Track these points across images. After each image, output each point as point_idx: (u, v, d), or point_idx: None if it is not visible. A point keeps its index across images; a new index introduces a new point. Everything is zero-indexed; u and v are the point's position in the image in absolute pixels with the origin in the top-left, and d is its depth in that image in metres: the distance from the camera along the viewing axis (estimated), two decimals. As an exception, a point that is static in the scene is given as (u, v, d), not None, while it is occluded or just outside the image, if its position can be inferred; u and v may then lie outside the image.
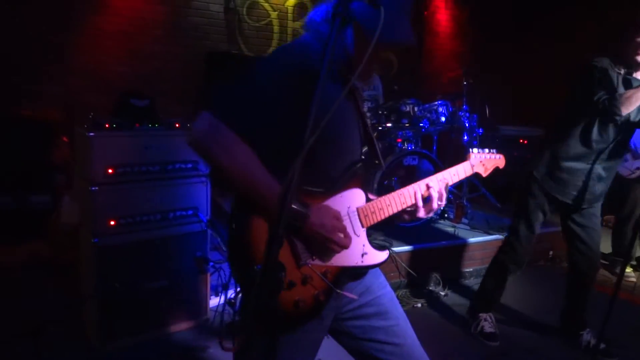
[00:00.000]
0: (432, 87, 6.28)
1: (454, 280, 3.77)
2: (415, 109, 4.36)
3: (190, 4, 5.46)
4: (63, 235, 3.55)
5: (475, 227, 4.15)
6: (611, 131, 2.53)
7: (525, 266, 2.90)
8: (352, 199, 1.32)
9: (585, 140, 2.56)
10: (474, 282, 3.73)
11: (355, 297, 1.33)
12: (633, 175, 3.80)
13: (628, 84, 2.48)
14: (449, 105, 4.49)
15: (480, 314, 2.94)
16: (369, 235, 1.35)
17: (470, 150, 1.63)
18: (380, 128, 4.30)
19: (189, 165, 2.65)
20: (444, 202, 1.44)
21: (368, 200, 1.36)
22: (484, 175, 1.66)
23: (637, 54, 2.40)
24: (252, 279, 1.19)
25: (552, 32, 6.72)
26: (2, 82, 4.57)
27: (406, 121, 4.32)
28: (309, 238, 1.22)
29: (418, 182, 1.42)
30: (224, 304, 2.96)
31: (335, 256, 1.27)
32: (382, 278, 1.53)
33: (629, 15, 2.52)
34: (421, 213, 1.40)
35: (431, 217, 4.17)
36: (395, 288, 3.50)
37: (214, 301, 2.94)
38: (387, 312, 1.45)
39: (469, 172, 1.58)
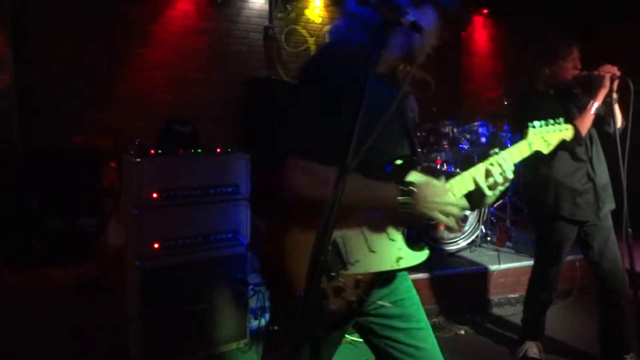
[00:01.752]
0: (471, 108, 6.20)
1: (499, 307, 3.63)
2: (455, 130, 4.29)
3: (230, 33, 5.67)
4: (109, 258, 3.67)
5: (520, 251, 3.99)
6: (587, 137, 2.57)
7: (576, 292, 2.78)
8: None
9: (576, 158, 2.59)
10: (520, 309, 3.56)
11: (388, 305, 1.33)
12: None
13: (574, 99, 2.63)
14: (489, 125, 4.40)
15: (527, 341, 2.86)
16: (407, 236, 1.33)
17: (530, 124, 1.53)
18: (418, 150, 4.26)
19: (230, 189, 2.70)
20: (507, 183, 1.39)
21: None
22: (546, 152, 1.54)
23: (569, 72, 2.55)
24: (291, 306, 1.20)
25: (590, 52, 6.52)
26: (55, 111, 4.86)
27: (445, 142, 4.26)
28: (419, 214, 1.24)
29: (462, 174, 1.38)
30: (264, 328, 2.97)
31: (368, 262, 1.27)
32: (409, 282, 1.51)
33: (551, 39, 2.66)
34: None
35: (473, 240, 4.05)
36: (435, 314, 3.39)
37: (254, 324, 2.94)
38: (410, 316, 1.44)
39: (526, 153, 1.48)
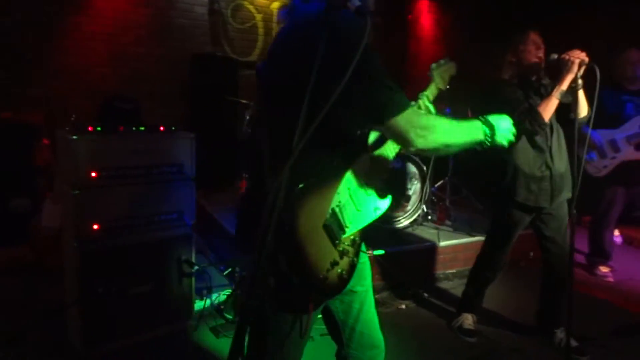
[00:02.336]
0: (416, 91, 6.35)
1: (437, 282, 3.82)
2: (400, 112, 4.40)
3: (174, 6, 5.44)
4: (44, 239, 3.50)
5: (458, 229, 4.20)
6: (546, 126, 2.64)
7: (506, 267, 2.97)
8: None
9: (535, 145, 2.66)
10: (458, 284, 3.78)
11: (371, 253, 1.52)
12: (601, 174, 3.89)
13: (537, 86, 2.68)
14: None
15: (463, 313, 3.04)
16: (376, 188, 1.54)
17: (431, 67, 1.80)
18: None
19: (174, 169, 2.63)
20: None
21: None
22: (443, 87, 1.81)
23: (532, 54, 2.62)
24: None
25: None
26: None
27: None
28: (495, 143, 1.52)
29: None
30: (209, 308, 2.96)
31: (357, 220, 1.44)
32: (363, 244, 1.66)
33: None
34: None
35: (415, 219, 4.22)
36: (378, 290, 3.53)
37: (199, 305, 2.93)
38: (364, 278, 1.60)
39: (435, 92, 1.76)
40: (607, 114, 3.68)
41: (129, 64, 5.19)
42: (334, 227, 1.34)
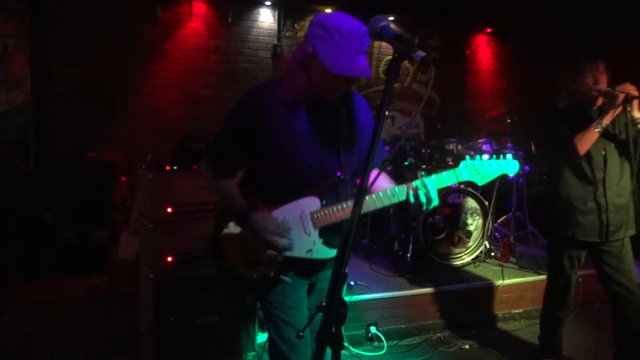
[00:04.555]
0: (476, 125, 6.28)
1: (503, 322, 3.67)
2: (459, 147, 4.38)
3: (240, 52, 5.82)
4: (120, 270, 3.75)
5: (524, 266, 4.04)
6: (599, 157, 2.51)
7: (578, 308, 2.80)
8: (306, 205, 1.62)
9: (583, 177, 2.54)
10: (525, 324, 3.61)
11: (288, 279, 1.66)
12: None
13: (585, 118, 2.53)
14: (492, 143, 4.49)
15: (545, 359, 2.86)
16: (322, 234, 1.62)
17: (465, 160, 1.67)
18: (424, 166, 4.35)
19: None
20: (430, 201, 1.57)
21: (323, 206, 1.62)
22: (480, 183, 1.70)
23: (588, 88, 2.48)
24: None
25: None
26: (71, 126, 4.99)
27: (450, 159, 4.34)
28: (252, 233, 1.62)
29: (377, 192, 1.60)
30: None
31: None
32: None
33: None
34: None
35: (477, 256, 4.11)
36: (439, 329, 3.44)
37: (262, 336, 2.99)
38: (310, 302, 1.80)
39: (452, 181, 1.63)
40: None
41: (199, 105, 5.58)
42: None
